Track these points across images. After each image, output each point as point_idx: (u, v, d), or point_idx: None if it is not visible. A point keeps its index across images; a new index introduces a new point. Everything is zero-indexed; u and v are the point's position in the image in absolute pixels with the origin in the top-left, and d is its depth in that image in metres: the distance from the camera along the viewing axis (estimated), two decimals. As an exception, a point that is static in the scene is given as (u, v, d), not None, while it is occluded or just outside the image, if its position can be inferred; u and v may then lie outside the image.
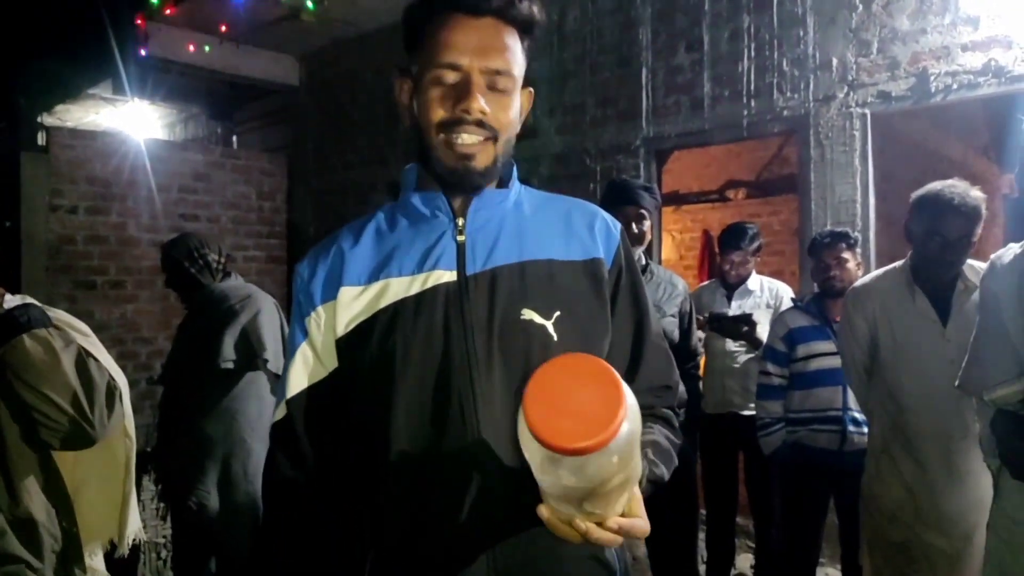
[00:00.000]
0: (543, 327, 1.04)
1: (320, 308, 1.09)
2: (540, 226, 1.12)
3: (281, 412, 1.12)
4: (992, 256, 1.97)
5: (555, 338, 1.04)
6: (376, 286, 1.07)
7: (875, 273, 2.61)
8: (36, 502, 1.43)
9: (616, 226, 1.17)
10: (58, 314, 1.54)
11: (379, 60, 5.92)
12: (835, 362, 2.72)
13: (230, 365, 2.70)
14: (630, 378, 1.13)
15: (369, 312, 1.06)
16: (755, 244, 3.50)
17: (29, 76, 6.70)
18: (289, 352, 1.13)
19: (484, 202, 1.10)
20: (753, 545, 3.55)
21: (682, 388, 3.03)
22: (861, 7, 3.64)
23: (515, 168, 1.16)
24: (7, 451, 1.38)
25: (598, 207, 1.20)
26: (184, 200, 5.83)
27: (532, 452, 0.78)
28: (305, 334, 1.10)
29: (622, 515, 0.88)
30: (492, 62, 1.03)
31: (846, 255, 2.92)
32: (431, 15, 1.06)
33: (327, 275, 1.11)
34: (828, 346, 2.85)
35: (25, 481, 1.41)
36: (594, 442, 0.72)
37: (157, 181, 5.59)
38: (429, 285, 1.05)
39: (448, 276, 1.05)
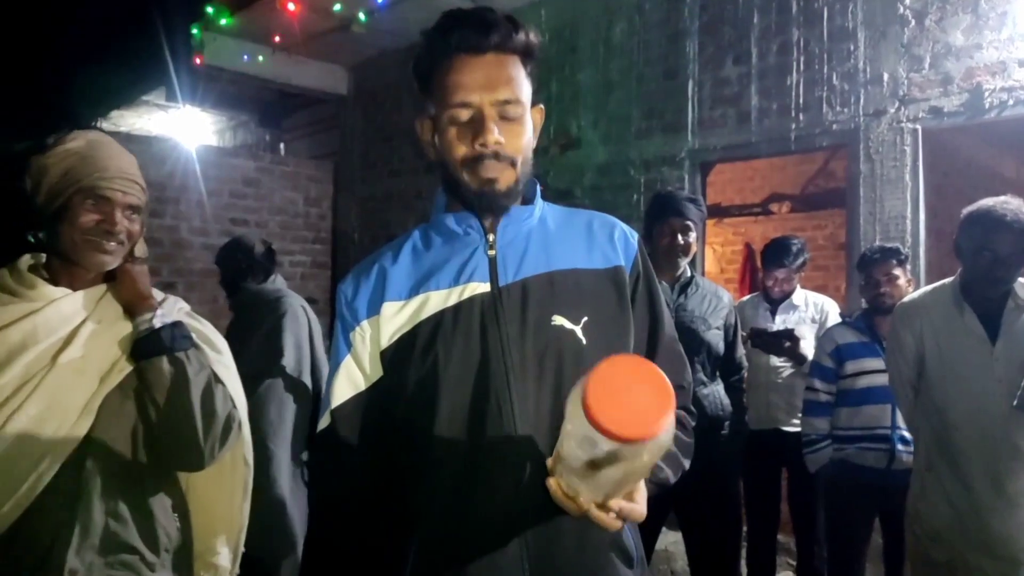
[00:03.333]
0: (572, 332, 1.12)
1: (365, 323, 1.18)
2: (564, 238, 1.21)
3: (326, 421, 1.19)
4: None
5: (584, 342, 1.12)
6: (417, 300, 1.15)
7: (924, 289, 2.57)
8: (156, 499, 1.46)
9: (633, 235, 1.25)
10: (201, 326, 1.58)
11: (426, 70, 5.99)
12: (885, 379, 2.68)
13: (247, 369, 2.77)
14: None
15: (412, 324, 1.14)
16: (800, 260, 3.46)
17: (89, 84, 6.94)
18: (333, 365, 1.20)
19: (511, 219, 1.19)
20: (794, 563, 3.51)
21: (727, 401, 3.02)
22: (914, 22, 3.60)
23: (537, 186, 1.25)
24: (139, 451, 1.42)
25: (616, 219, 1.27)
26: (234, 205, 5.97)
27: (577, 427, 0.85)
28: (349, 347, 1.19)
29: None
30: (500, 94, 1.11)
31: (896, 271, 2.88)
32: (438, 61, 1.13)
33: (370, 293, 1.19)
34: (878, 363, 2.81)
35: (149, 478, 1.45)
36: (641, 433, 0.81)
37: (208, 186, 5.74)
38: (465, 297, 1.13)
39: (483, 288, 1.14)
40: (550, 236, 1.20)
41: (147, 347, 1.39)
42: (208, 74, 6.25)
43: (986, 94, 3.37)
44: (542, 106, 1.24)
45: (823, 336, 3.10)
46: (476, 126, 1.11)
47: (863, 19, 3.76)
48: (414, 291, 1.16)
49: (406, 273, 1.18)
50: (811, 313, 3.48)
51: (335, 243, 6.65)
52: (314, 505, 1.26)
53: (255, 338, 2.78)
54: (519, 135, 1.14)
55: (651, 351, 1.22)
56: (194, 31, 5.79)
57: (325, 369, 2.95)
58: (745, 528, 3.37)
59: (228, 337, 2.90)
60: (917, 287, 2.98)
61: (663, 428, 0.83)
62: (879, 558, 3.01)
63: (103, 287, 1.46)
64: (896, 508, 2.59)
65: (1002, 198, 2.27)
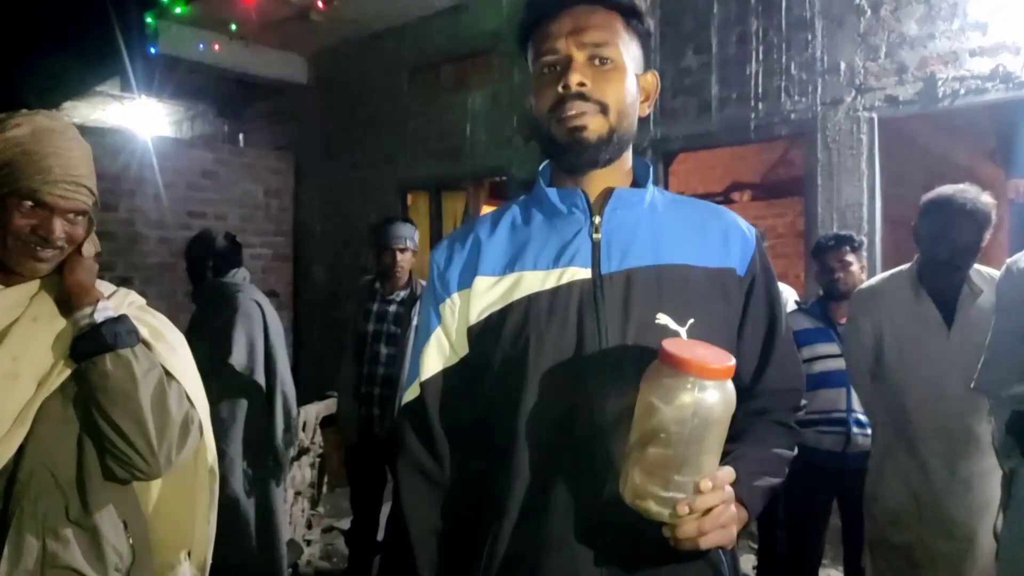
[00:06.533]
0: (677, 334, 1.04)
1: (456, 295, 1.13)
2: (675, 230, 1.12)
3: (414, 392, 1.15)
4: (1008, 261, 1.99)
5: None
6: (510, 278, 1.09)
7: (881, 275, 2.61)
8: (105, 515, 1.32)
9: (751, 232, 1.18)
10: (155, 320, 1.44)
11: (387, 59, 5.93)
12: (839, 364, 2.73)
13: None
14: (758, 378, 1.15)
15: (503, 303, 1.08)
16: (760, 247, 3.49)
17: (38, 74, 6.75)
18: (423, 335, 1.16)
19: (620, 201, 1.11)
20: (756, 546, 3.56)
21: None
22: (869, 12, 3.65)
23: (651, 169, 1.18)
24: (84, 461, 1.30)
25: (735, 214, 1.21)
26: (191, 197, 5.85)
27: (653, 388, 0.90)
28: (439, 319, 1.14)
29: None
30: (587, 37, 1.06)
31: (850, 258, 2.92)
32: (531, 22, 1.12)
33: (463, 264, 1.14)
34: (832, 348, 2.85)
35: (97, 492, 1.31)
36: (719, 367, 0.88)
37: (164, 178, 5.61)
38: (564, 281, 1.06)
39: (583, 274, 1.06)
40: (660, 226, 1.11)
41: (87, 345, 1.26)
42: (165, 63, 6.11)
43: (939, 83, 3.43)
44: (655, 72, 1.16)
45: (780, 323, 3.14)
46: (561, 71, 1.06)
47: (820, 8, 3.80)
48: (508, 268, 1.10)
49: (502, 248, 1.12)
50: (770, 300, 3.51)
51: (297, 235, 6.56)
52: (398, 473, 1.19)
53: (208, 334, 2.73)
54: (612, 82, 1.07)
55: (767, 351, 1.15)
56: (149, 20, 5.66)
57: (282, 366, 2.91)
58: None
59: (187, 331, 2.88)
60: (872, 274, 3.03)
61: (727, 374, 0.89)
62: (838, 540, 3.06)
63: (38, 281, 1.34)
64: (853, 491, 2.64)
65: (960, 186, 2.30)
